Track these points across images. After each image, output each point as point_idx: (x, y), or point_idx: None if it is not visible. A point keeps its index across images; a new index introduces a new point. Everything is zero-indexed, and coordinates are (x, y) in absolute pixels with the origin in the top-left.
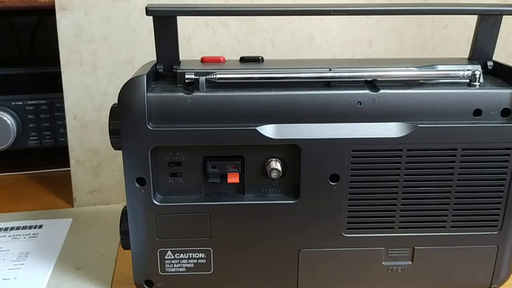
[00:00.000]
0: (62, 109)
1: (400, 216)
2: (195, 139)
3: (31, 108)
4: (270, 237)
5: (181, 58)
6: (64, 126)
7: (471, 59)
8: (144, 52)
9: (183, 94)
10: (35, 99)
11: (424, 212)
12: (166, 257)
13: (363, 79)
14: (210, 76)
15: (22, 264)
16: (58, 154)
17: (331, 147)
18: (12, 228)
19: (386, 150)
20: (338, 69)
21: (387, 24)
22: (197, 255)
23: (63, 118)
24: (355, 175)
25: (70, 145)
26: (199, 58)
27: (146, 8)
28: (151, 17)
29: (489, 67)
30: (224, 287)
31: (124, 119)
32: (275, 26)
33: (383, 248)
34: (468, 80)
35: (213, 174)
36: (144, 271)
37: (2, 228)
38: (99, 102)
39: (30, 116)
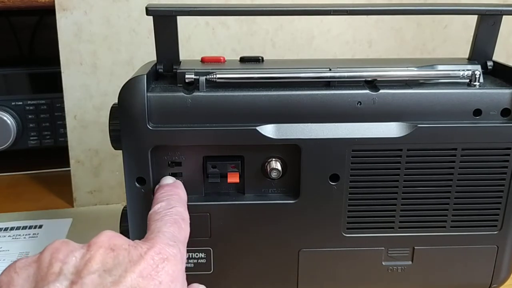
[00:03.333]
0: (62, 109)
1: (400, 216)
2: (195, 139)
3: (31, 108)
4: (270, 237)
5: (181, 58)
6: (64, 126)
7: (471, 59)
8: (144, 52)
9: (183, 94)
10: (35, 99)
11: (424, 212)
12: None
13: (363, 79)
14: (210, 76)
15: None
16: (58, 154)
17: (331, 147)
18: (12, 228)
19: (386, 150)
20: (338, 69)
21: (387, 24)
22: (197, 255)
23: (63, 118)
24: (355, 175)
25: (70, 145)
26: (199, 58)
27: (146, 8)
28: (151, 17)
29: (489, 67)
30: (224, 287)
31: (124, 119)
32: (275, 26)
33: (383, 248)
34: (468, 80)
35: (213, 174)
36: None
37: (2, 228)
38: (99, 102)
39: (30, 116)
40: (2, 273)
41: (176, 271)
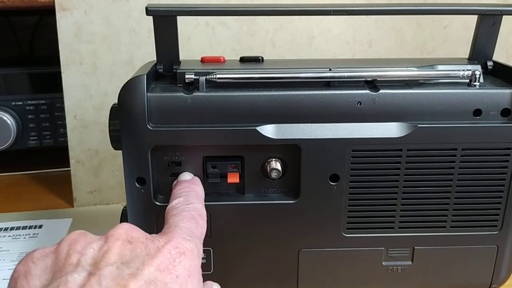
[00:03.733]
0: (62, 109)
1: (400, 216)
2: (195, 139)
3: (31, 108)
4: (270, 237)
5: (181, 58)
6: (64, 126)
7: (471, 59)
8: (144, 52)
9: (183, 94)
10: (35, 99)
11: (424, 212)
12: None
13: (363, 79)
14: (210, 76)
15: None
16: (58, 154)
17: (331, 147)
18: (12, 228)
19: (386, 150)
20: (338, 69)
21: (387, 24)
22: None
23: (63, 118)
24: (355, 175)
25: (70, 145)
26: (199, 58)
27: (146, 8)
28: (151, 17)
29: (489, 67)
30: (224, 287)
31: (124, 119)
32: (275, 26)
33: (383, 248)
34: (468, 80)
35: (213, 174)
36: None
37: (2, 228)
38: (99, 102)
39: (30, 116)
40: (19, 262)
41: (193, 266)
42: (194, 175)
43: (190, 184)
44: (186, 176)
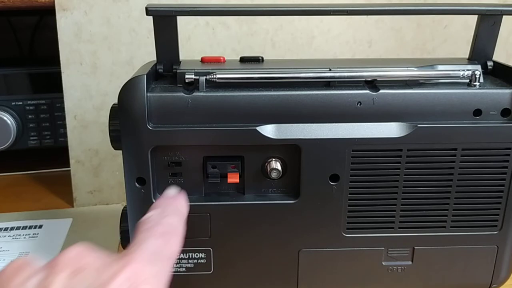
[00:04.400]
0: (62, 109)
1: (400, 216)
2: (195, 139)
3: (31, 108)
4: (270, 237)
5: (181, 58)
6: (64, 126)
7: (471, 59)
8: (144, 52)
9: (183, 94)
10: (35, 99)
11: (424, 212)
12: None
13: (363, 79)
14: (210, 76)
15: None
16: (58, 154)
17: (331, 147)
18: (12, 228)
19: (386, 150)
20: (338, 69)
21: (387, 24)
22: (197, 255)
23: (63, 118)
24: (355, 175)
25: (70, 145)
26: (199, 58)
27: (146, 8)
28: (151, 17)
29: (489, 67)
30: (224, 287)
31: (124, 119)
32: (275, 26)
33: (383, 248)
34: (468, 80)
35: (213, 174)
36: None
37: (2, 228)
38: (99, 102)
39: (30, 116)
40: None
41: None
42: (194, 175)
43: (172, 199)
44: (171, 191)
